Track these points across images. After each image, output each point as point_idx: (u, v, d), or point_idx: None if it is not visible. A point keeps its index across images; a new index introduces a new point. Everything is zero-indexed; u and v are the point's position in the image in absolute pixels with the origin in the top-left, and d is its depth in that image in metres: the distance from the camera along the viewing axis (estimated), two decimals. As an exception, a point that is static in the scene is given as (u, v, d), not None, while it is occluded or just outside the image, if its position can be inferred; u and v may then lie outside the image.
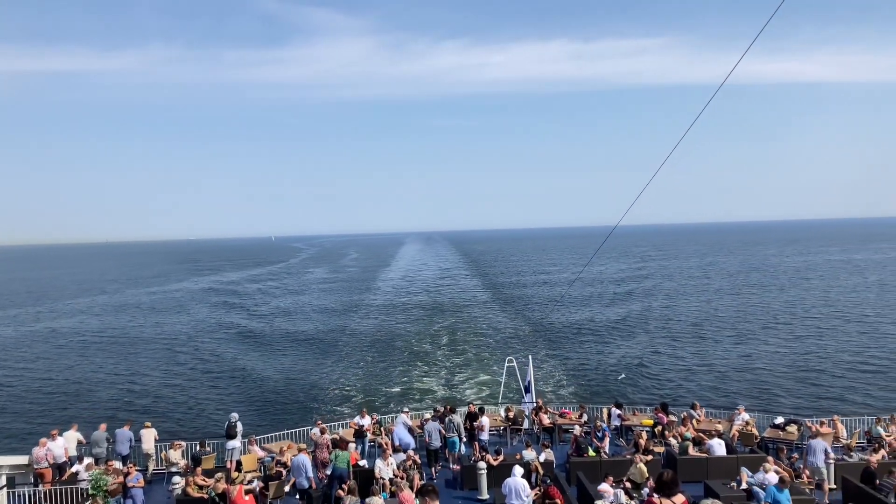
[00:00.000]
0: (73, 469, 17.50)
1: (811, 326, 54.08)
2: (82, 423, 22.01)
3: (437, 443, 18.34)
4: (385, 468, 15.96)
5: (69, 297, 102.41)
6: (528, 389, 23.97)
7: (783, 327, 54.34)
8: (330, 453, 16.27)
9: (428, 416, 20.47)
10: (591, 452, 17.63)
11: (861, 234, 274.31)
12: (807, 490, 14.79)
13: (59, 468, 17.80)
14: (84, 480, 16.44)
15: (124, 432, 18.90)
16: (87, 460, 17.94)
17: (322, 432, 18.99)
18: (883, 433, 18.57)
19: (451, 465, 18.44)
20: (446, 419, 18.66)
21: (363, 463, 17.36)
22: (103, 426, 19.37)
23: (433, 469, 18.15)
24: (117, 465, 17.39)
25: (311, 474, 15.65)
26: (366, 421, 20.38)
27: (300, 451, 16.62)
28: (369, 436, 19.89)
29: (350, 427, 20.68)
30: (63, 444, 18.31)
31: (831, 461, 16.03)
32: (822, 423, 19.56)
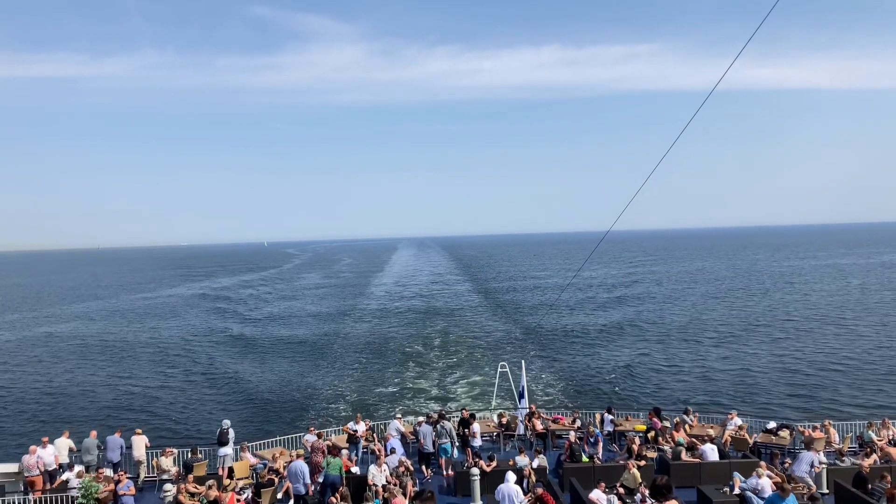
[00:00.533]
0: (64, 477, 17.37)
1: (803, 331, 54.29)
2: (73, 429, 21.84)
3: (430, 446, 18.34)
4: (378, 474, 15.91)
5: (63, 303, 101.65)
6: (521, 395, 23.95)
7: (775, 332, 54.48)
8: (324, 458, 16.24)
9: (422, 419, 20.50)
10: (585, 458, 17.63)
11: (852, 240, 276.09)
12: (803, 495, 14.85)
13: (49, 476, 17.66)
14: (74, 488, 16.32)
15: (115, 439, 18.76)
16: (78, 468, 17.81)
17: (319, 437, 18.93)
18: (874, 438, 18.65)
19: (443, 472, 18.41)
20: (437, 425, 18.65)
21: (356, 470, 17.31)
22: (94, 433, 19.24)
23: (423, 469, 18.18)
24: (108, 472, 17.28)
25: (308, 481, 15.62)
26: (360, 427, 20.32)
27: (298, 456, 16.58)
28: (362, 442, 19.84)
29: (343, 432, 20.62)
30: (54, 452, 18.16)
31: (815, 471, 16.05)
32: (814, 428, 19.63)
